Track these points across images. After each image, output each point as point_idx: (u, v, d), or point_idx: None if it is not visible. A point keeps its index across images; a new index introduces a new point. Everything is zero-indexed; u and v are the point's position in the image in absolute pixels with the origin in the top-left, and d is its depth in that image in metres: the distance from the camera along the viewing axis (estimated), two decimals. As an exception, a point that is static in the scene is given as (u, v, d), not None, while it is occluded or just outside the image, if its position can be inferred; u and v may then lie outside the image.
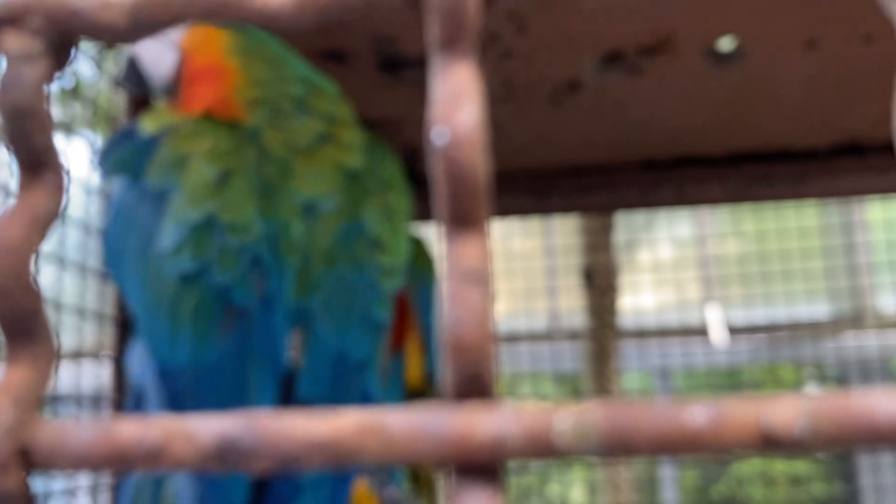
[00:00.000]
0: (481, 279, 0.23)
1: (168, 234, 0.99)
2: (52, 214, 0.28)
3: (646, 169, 1.87)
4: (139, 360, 1.05)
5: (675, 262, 3.04)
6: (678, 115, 1.70)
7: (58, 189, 0.28)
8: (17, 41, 0.24)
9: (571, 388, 3.41)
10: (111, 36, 0.26)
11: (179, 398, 0.98)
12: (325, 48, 1.44)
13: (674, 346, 2.91)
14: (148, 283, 0.99)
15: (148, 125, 1.06)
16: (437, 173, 0.22)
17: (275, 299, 1.02)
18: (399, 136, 1.74)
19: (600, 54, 1.47)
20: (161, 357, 0.99)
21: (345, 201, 1.09)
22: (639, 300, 2.91)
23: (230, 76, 1.10)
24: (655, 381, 2.98)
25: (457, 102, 0.23)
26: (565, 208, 1.93)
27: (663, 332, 2.94)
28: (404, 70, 1.51)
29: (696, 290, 3.16)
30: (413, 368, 1.51)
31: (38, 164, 0.27)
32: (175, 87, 1.13)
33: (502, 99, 1.61)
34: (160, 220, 1.00)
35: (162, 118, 1.07)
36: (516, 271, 2.73)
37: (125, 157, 1.04)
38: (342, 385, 1.04)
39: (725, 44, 1.47)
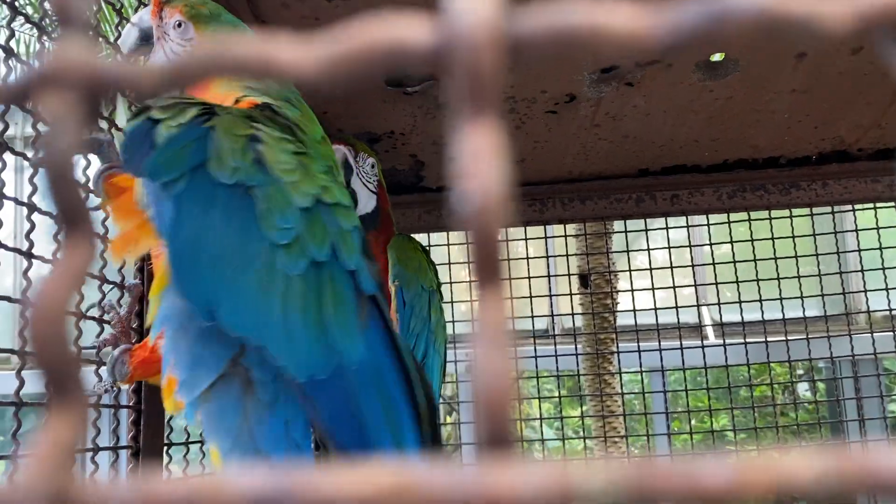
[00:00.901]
0: (504, 339, 0.23)
1: (275, 228, 0.85)
2: (86, 269, 0.28)
3: (640, 178, 1.89)
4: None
5: (670, 263, 3.08)
6: (671, 126, 1.72)
7: (91, 243, 0.29)
8: (57, 103, 0.25)
9: (572, 386, 3.42)
10: (148, 95, 0.27)
11: (342, 406, 0.85)
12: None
13: (669, 345, 2.93)
14: (266, 291, 0.84)
15: (164, 118, 0.92)
16: (466, 235, 0.23)
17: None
18: (406, 146, 1.76)
19: (598, 70, 1.48)
20: (307, 369, 0.85)
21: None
22: (636, 300, 2.93)
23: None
24: (651, 379, 3.01)
25: (481, 168, 0.23)
26: (564, 217, 1.95)
27: (660, 331, 2.96)
28: (410, 86, 1.52)
29: (690, 291, 3.19)
30: None
31: (76, 220, 0.28)
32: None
33: (503, 112, 1.62)
34: (251, 217, 0.86)
35: (172, 106, 0.93)
36: (520, 273, 2.75)
37: (172, 153, 0.88)
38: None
39: (718, 57, 1.49)
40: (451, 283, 2.13)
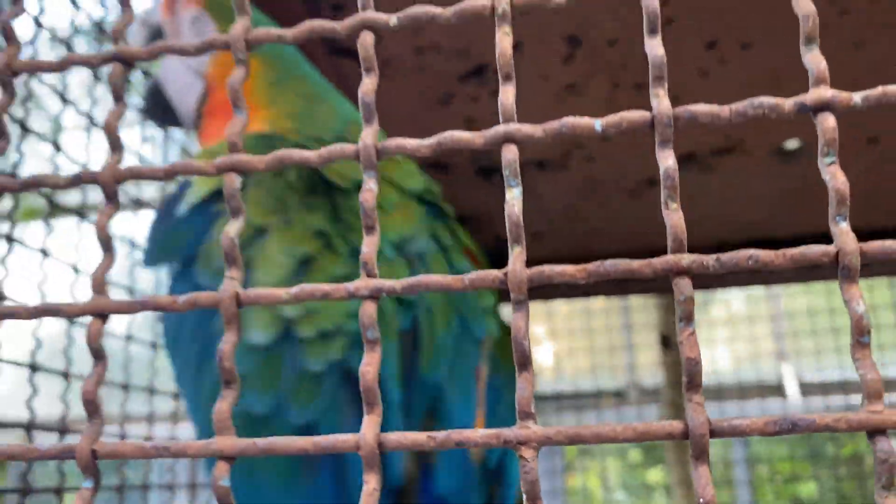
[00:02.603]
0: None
1: None
2: None
3: (719, 252, 1.99)
4: None
5: (748, 318, 3.12)
6: (747, 204, 1.82)
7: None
8: (527, 453, 0.40)
9: (654, 453, 3.44)
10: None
11: None
12: (431, 159, 1.63)
13: (750, 405, 2.95)
14: (210, 420, 0.72)
15: (196, 189, 0.81)
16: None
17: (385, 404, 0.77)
18: (491, 227, 1.92)
19: (677, 156, 1.62)
20: None
21: (433, 243, 0.88)
22: (714, 356, 2.98)
23: (252, 113, 0.90)
24: (735, 443, 3.03)
25: (704, 480, 0.35)
26: (644, 289, 2.06)
27: (741, 393, 2.99)
28: (496, 175, 1.68)
29: (770, 346, 3.22)
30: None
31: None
32: (198, 119, 0.96)
33: (585, 193, 1.77)
34: (213, 341, 0.74)
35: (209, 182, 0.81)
36: (596, 329, 2.85)
37: (168, 238, 0.79)
38: (471, 477, 0.86)
39: (792, 143, 1.60)
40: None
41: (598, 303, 3.00)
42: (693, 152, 1.62)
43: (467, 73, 1.39)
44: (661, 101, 0.33)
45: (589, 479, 3.20)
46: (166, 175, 0.35)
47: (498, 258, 2.07)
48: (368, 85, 0.35)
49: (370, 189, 0.34)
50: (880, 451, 0.28)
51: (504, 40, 0.35)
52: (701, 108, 0.33)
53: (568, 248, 2.08)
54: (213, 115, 0.94)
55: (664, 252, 1.74)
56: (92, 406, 0.34)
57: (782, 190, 1.77)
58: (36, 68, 0.39)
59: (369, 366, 0.32)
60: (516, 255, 0.33)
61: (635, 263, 0.32)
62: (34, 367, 1.02)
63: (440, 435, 0.31)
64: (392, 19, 0.36)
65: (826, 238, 1.98)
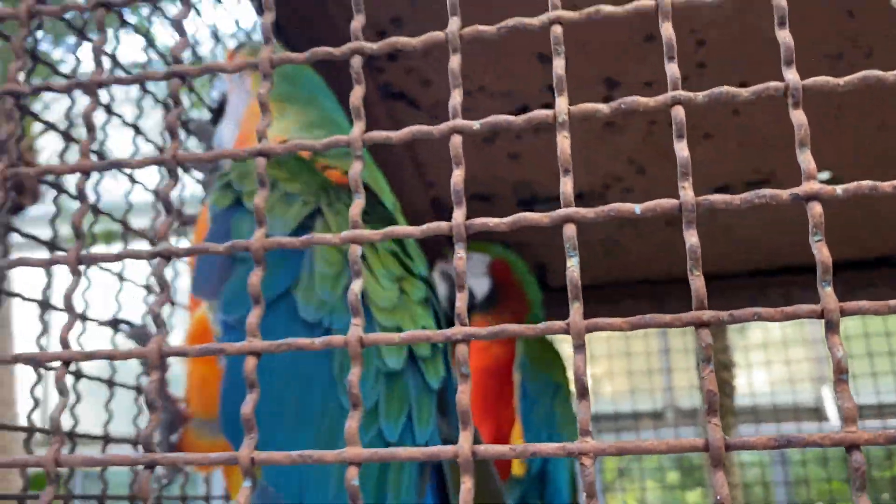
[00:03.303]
0: None
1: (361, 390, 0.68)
2: None
3: (754, 277, 2.06)
4: None
5: (785, 340, 3.14)
6: (781, 231, 1.89)
7: None
8: None
9: (693, 475, 3.46)
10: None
11: None
12: (476, 192, 1.74)
13: (787, 428, 2.98)
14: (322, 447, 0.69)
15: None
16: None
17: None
18: (533, 254, 2.02)
19: (711, 189, 1.70)
20: None
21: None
22: (752, 379, 3.02)
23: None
24: (773, 465, 3.04)
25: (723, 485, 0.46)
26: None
27: (778, 415, 3.01)
28: (537, 205, 1.78)
29: (807, 370, 3.24)
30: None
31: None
32: None
33: (623, 224, 1.86)
34: (325, 369, 0.71)
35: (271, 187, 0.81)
36: (635, 352, 2.91)
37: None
38: None
39: (821, 175, 1.67)
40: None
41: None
42: (727, 184, 1.70)
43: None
44: (686, 192, 0.42)
45: (628, 500, 3.24)
46: (302, 245, 0.46)
47: (539, 282, 2.16)
48: (458, 177, 0.45)
49: (461, 257, 0.44)
50: (854, 462, 0.37)
51: (563, 142, 0.45)
52: (717, 197, 0.43)
53: (607, 275, 2.16)
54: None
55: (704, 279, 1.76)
56: (249, 424, 0.45)
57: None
58: (195, 160, 0.50)
59: (464, 394, 0.42)
60: (576, 310, 0.42)
61: (667, 317, 0.42)
62: (111, 383, 1.18)
63: (519, 447, 0.41)
64: (475, 125, 0.46)
65: (860, 264, 2.04)
